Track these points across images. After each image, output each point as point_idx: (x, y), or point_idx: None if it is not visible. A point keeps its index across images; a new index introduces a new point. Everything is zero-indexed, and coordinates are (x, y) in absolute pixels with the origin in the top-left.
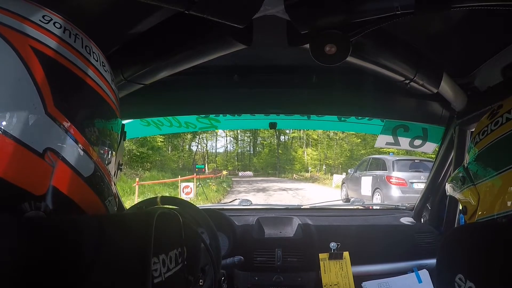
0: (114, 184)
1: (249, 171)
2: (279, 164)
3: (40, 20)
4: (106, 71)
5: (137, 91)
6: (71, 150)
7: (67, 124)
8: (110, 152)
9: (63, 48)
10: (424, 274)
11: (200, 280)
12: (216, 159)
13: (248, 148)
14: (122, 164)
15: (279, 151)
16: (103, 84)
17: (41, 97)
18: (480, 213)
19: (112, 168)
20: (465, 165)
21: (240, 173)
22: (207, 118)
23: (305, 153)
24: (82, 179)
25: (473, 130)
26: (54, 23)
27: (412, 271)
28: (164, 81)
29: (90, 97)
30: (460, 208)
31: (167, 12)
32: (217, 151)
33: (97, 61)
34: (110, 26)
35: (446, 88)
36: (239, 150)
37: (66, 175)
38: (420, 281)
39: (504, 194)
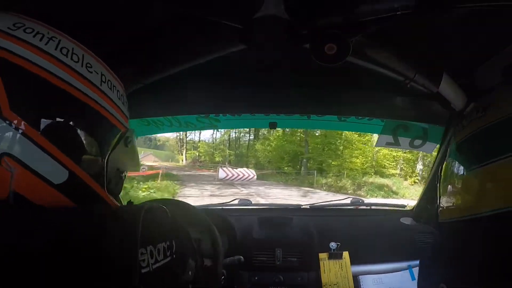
0: (113, 194)
1: (247, 167)
2: (308, 155)
3: (8, 28)
4: (90, 72)
5: (137, 91)
6: (33, 156)
7: (27, 128)
8: (95, 159)
9: (28, 52)
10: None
11: (190, 272)
12: (199, 144)
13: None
14: (124, 172)
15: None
16: (82, 85)
17: None
18: (440, 214)
19: (102, 176)
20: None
21: (222, 173)
22: (207, 117)
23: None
24: (51, 186)
25: None
26: (24, 29)
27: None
28: (164, 81)
29: (59, 99)
30: None
31: (167, 12)
32: (200, 136)
33: (77, 62)
34: (110, 26)
35: (446, 88)
36: (233, 134)
37: (29, 181)
38: (413, 278)
39: (455, 199)
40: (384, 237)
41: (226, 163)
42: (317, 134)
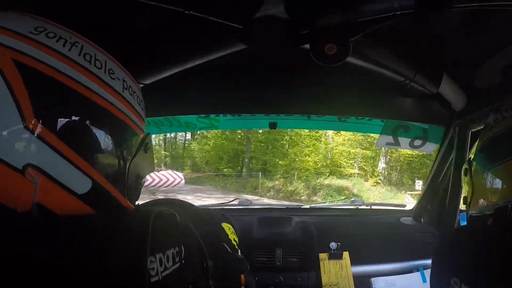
0: (132, 201)
1: (182, 169)
2: (250, 154)
3: (30, 32)
4: (113, 79)
5: None
6: (57, 166)
7: (52, 138)
8: (118, 166)
9: (51, 58)
10: (429, 274)
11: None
12: None
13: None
14: (143, 178)
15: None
16: (106, 92)
17: (20, 111)
18: (472, 205)
19: (123, 184)
20: (471, 157)
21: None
22: (207, 118)
23: (329, 136)
24: (75, 196)
25: (473, 130)
26: (47, 34)
27: (417, 271)
28: (164, 81)
29: (84, 107)
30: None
31: (167, 12)
32: None
33: (100, 68)
34: (110, 26)
35: (446, 88)
36: (170, 134)
37: (53, 192)
38: (424, 280)
39: (490, 190)
40: (385, 237)
41: (162, 165)
42: (260, 130)
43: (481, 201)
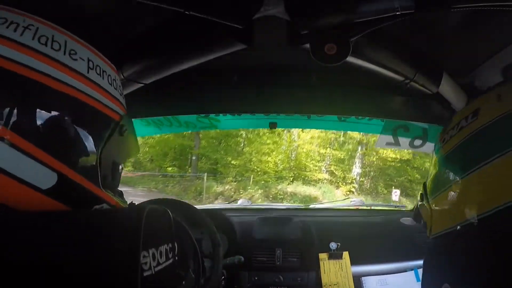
0: (111, 188)
1: (124, 167)
2: (199, 151)
3: None
4: (75, 60)
5: (137, 91)
6: (16, 161)
7: (6, 132)
8: (86, 156)
9: (2, 46)
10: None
11: (190, 272)
12: None
13: None
14: (120, 164)
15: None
16: (66, 75)
17: None
18: (433, 228)
19: (96, 173)
20: (425, 182)
21: None
22: (207, 117)
23: (294, 133)
24: (39, 192)
25: None
26: None
27: (411, 270)
28: (164, 81)
29: (41, 95)
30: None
31: (167, 12)
32: None
33: (58, 50)
34: (110, 25)
35: (446, 88)
36: None
37: (13, 190)
38: (418, 279)
39: (452, 208)
40: (384, 238)
41: None
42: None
43: (442, 223)
